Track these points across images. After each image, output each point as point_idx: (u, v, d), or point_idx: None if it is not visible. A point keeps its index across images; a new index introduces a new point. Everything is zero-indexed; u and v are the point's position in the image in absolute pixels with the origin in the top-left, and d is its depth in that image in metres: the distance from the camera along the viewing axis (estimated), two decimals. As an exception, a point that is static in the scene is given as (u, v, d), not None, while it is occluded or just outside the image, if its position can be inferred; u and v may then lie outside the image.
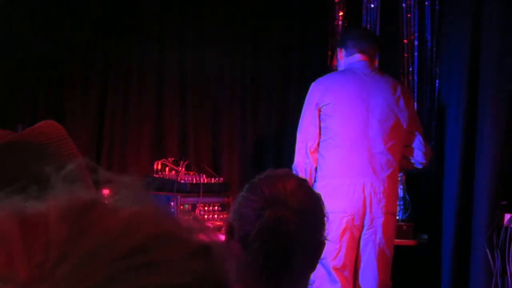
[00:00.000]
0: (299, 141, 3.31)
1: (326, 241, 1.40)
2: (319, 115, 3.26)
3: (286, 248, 1.32)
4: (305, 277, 1.42)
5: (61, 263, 0.39)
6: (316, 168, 3.28)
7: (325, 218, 1.40)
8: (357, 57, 3.34)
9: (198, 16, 4.17)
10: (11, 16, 3.59)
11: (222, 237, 1.41)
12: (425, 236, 3.68)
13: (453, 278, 3.15)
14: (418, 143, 3.33)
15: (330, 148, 3.21)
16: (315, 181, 3.25)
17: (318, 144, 3.26)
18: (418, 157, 3.34)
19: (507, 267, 2.76)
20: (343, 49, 3.41)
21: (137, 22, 4.03)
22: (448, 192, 3.29)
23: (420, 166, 3.38)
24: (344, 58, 3.40)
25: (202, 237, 0.46)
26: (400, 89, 3.30)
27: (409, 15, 4.07)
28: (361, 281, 3.19)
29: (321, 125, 3.25)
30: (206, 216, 3.64)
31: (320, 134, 3.26)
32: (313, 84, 3.34)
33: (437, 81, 3.93)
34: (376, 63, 3.43)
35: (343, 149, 3.18)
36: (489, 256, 2.83)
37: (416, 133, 3.33)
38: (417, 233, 3.66)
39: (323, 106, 3.24)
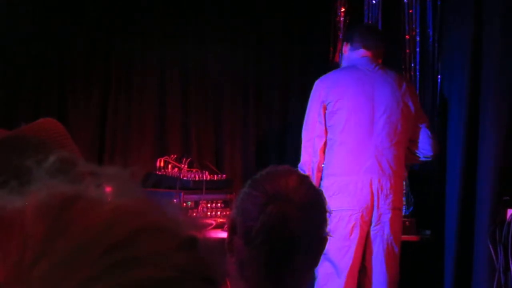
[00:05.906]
0: (305, 139, 3.29)
1: (328, 237, 1.40)
2: (325, 113, 3.25)
3: (289, 243, 1.32)
4: (307, 273, 1.42)
5: (39, 262, 0.37)
6: (323, 166, 3.27)
7: (328, 214, 1.39)
8: (361, 52, 3.33)
9: (200, 15, 4.17)
10: (11, 16, 3.59)
11: (224, 234, 1.41)
12: (428, 232, 3.67)
13: (455, 273, 3.15)
14: (425, 136, 3.32)
15: (337, 145, 3.20)
16: (321, 179, 3.25)
17: (325, 142, 3.26)
18: (425, 150, 3.32)
19: (510, 263, 2.75)
20: (349, 43, 3.41)
21: (139, 20, 4.03)
22: (451, 187, 3.28)
23: (426, 160, 3.36)
24: (349, 52, 3.39)
25: (190, 229, 0.44)
26: (405, 84, 3.30)
27: (410, 11, 4.06)
28: (370, 276, 3.19)
29: (327, 123, 3.24)
30: (209, 213, 3.64)
31: (326, 131, 3.25)
32: (317, 81, 3.32)
33: (439, 76, 3.93)
34: (380, 60, 3.42)
35: (349, 146, 3.17)
36: (492, 251, 2.82)
37: (423, 126, 3.32)
38: (420, 229, 3.66)
39: (328, 103, 3.23)
